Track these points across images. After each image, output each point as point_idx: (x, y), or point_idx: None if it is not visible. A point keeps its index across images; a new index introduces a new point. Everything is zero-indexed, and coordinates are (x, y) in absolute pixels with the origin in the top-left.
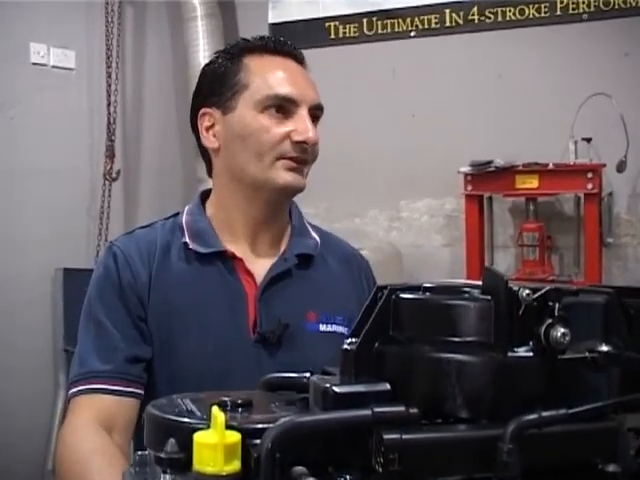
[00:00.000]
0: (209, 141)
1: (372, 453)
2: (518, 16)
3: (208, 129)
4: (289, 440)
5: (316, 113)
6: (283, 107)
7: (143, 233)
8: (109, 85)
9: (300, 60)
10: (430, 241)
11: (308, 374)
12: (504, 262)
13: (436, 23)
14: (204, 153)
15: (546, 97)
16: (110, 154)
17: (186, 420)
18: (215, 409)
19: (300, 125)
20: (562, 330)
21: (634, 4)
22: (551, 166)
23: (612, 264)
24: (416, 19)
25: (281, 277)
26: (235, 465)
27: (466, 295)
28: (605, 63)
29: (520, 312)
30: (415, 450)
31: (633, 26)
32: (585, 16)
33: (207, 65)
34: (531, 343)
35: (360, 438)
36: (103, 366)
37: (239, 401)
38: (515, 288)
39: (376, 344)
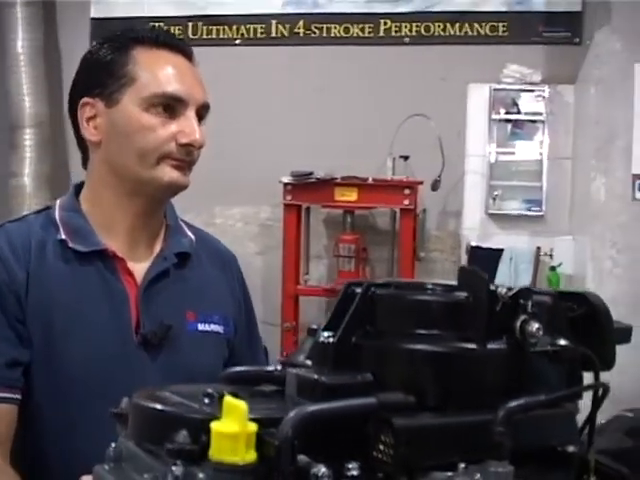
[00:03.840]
0: (89, 133)
1: (375, 441)
2: (343, 34)
3: (89, 120)
4: (303, 429)
5: (203, 112)
6: (170, 106)
7: (14, 227)
8: None
9: (189, 56)
10: (244, 248)
11: (279, 366)
12: (317, 272)
13: (262, 33)
14: (81, 144)
15: (367, 114)
16: None
17: (196, 411)
18: (230, 399)
19: (187, 127)
20: (536, 325)
21: (452, 32)
22: (370, 180)
23: (422, 278)
24: (242, 27)
25: (161, 277)
26: (253, 455)
27: (445, 292)
28: (425, 86)
29: (498, 308)
30: (422, 435)
31: (450, 53)
32: (407, 39)
33: (89, 53)
34: (504, 337)
35: (354, 428)
36: None
37: (225, 392)
38: (493, 287)
39: (353, 338)
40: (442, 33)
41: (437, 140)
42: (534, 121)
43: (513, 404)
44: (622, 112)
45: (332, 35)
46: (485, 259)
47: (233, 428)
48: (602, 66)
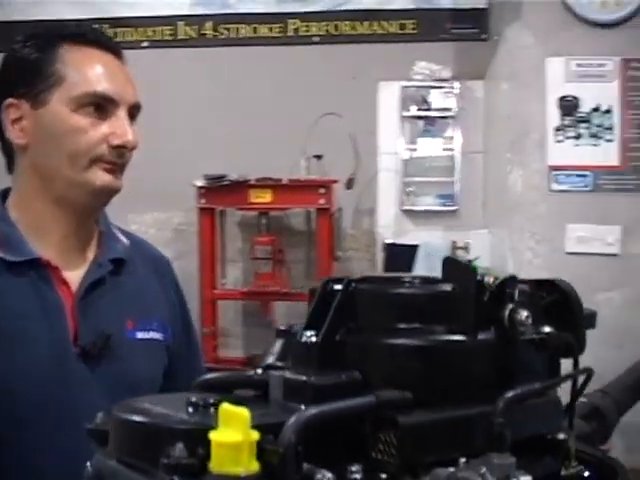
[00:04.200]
0: (16, 136)
1: (375, 440)
2: (252, 34)
3: (14, 122)
4: (306, 434)
5: (134, 112)
6: (100, 106)
7: None
8: None
9: (119, 55)
10: None
11: (259, 370)
12: (233, 275)
13: (169, 35)
14: (5, 148)
15: (279, 114)
16: None
17: (189, 422)
18: (229, 406)
19: (119, 128)
20: (525, 313)
21: (361, 31)
22: (285, 181)
23: None
24: (148, 29)
25: (97, 285)
26: (255, 464)
27: (431, 284)
28: (336, 85)
29: (485, 298)
30: (424, 432)
31: (360, 51)
32: (316, 39)
33: (12, 51)
34: (492, 327)
35: (349, 429)
36: None
37: (211, 400)
38: (479, 277)
39: (337, 336)
40: (351, 32)
41: (350, 139)
42: (445, 117)
43: (511, 394)
44: (535, 105)
45: (241, 36)
46: (400, 256)
47: (235, 437)
48: (514, 61)
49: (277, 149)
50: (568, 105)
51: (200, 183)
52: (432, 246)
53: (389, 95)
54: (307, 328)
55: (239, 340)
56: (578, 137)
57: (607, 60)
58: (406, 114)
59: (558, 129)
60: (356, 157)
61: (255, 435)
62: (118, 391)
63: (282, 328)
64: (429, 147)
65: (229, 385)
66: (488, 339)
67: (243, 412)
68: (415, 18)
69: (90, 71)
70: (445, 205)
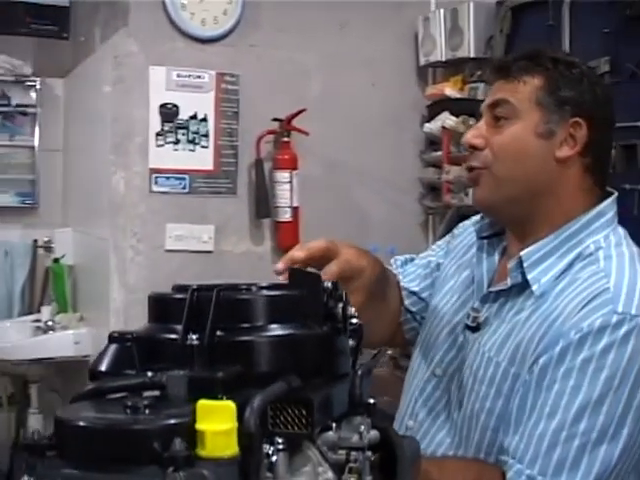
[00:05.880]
0: None
1: (287, 416)
2: None
3: None
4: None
5: None
6: None
7: None
8: None
9: None
10: None
11: (149, 373)
12: None
13: None
14: None
15: None
16: None
17: (174, 419)
18: (209, 402)
19: None
20: (353, 309)
21: None
22: None
23: None
24: None
25: None
26: (236, 447)
27: (285, 289)
28: None
29: (325, 299)
30: (323, 405)
31: None
32: None
33: None
34: (329, 321)
35: None
36: None
37: (146, 402)
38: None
39: (216, 337)
40: None
41: None
42: (25, 114)
43: (360, 370)
44: (139, 111)
45: None
46: None
47: (226, 425)
48: (119, 66)
49: None
50: (168, 112)
51: None
52: (12, 245)
53: None
54: (186, 332)
55: None
56: (177, 142)
57: (204, 73)
58: None
59: (159, 134)
60: None
61: (236, 422)
62: None
63: (116, 334)
64: (8, 143)
65: (126, 390)
66: (330, 330)
67: (230, 404)
68: None
69: None
70: (24, 203)
